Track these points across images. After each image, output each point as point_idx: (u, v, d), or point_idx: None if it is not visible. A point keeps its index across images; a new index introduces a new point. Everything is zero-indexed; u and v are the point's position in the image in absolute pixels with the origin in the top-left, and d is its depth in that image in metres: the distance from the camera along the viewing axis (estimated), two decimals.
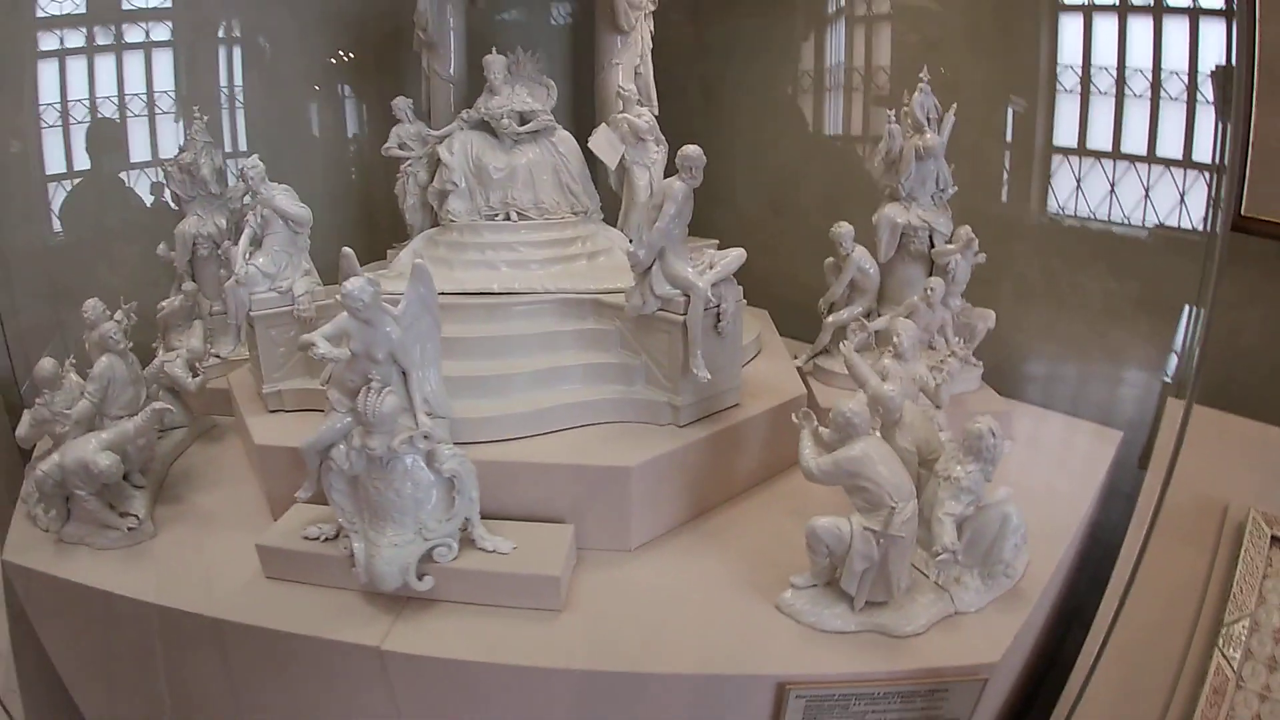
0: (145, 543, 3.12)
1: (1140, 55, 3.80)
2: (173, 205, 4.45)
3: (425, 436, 2.57)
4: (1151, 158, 3.81)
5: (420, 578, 2.59)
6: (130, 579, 2.91)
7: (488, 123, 3.72)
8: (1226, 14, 3.58)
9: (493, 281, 3.37)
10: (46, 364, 3.21)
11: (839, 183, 5.01)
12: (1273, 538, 2.63)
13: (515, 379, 3.13)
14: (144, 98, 4.61)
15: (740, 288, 3.09)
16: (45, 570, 3.00)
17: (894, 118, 3.67)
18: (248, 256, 3.27)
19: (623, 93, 3.78)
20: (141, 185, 4.74)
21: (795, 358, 3.96)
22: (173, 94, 4.68)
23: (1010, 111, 4.24)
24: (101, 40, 4.54)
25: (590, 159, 3.83)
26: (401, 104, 4.04)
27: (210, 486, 3.50)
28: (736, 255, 3.01)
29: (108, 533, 3.12)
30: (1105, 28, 3.93)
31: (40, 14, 4.25)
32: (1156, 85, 3.74)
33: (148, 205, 4.73)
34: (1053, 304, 4.10)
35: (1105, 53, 3.90)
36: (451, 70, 4.04)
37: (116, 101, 4.54)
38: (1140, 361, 3.82)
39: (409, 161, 4.01)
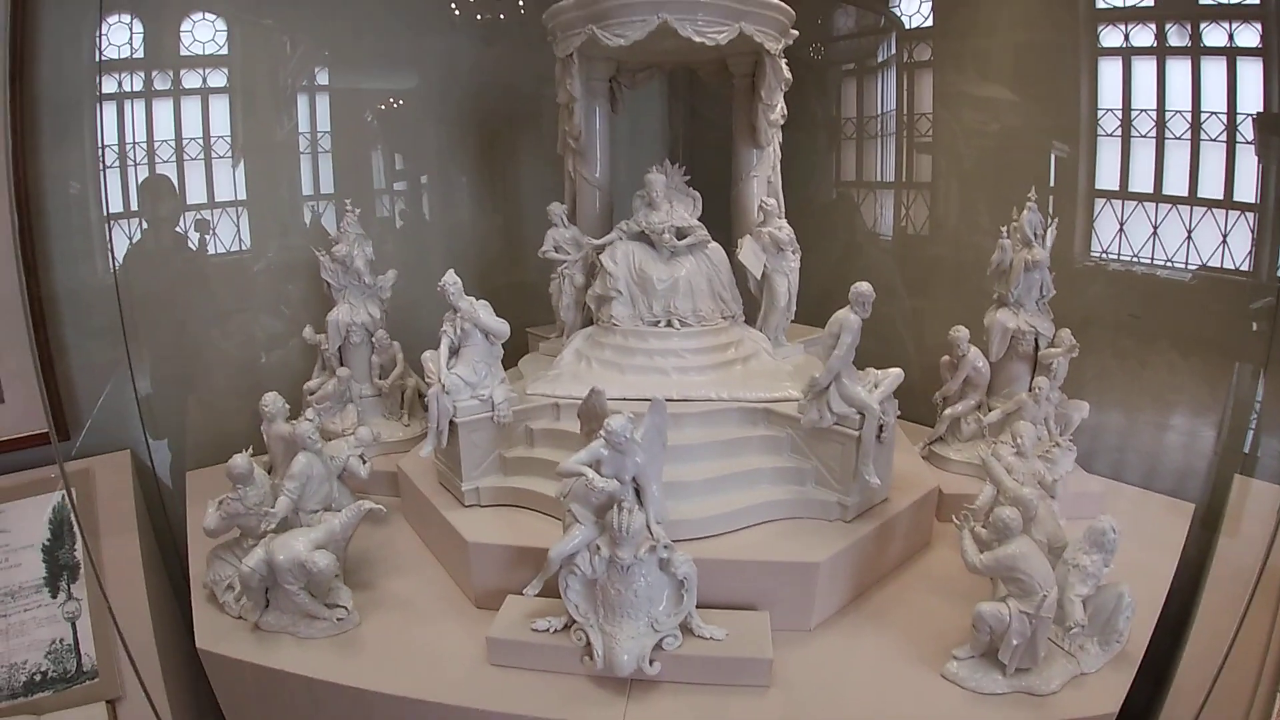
0: (351, 631, 3.60)
1: (1179, 97, 4.48)
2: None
3: (666, 547, 3.27)
4: (1193, 199, 4.49)
5: (650, 663, 3.23)
6: (349, 668, 3.37)
7: (645, 234, 4.36)
8: (1264, 54, 4.21)
9: (666, 388, 3.96)
10: (240, 461, 3.67)
11: (925, 263, 5.83)
12: None
13: (698, 483, 3.74)
14: (200, 141, 5.09)
15: (897, 401, 3.83)
16: (253, 660, 3.44)
17: (1005, 233, 4.44)
18: (449, 365, 3.89)
19: (765, 206, 4.42)
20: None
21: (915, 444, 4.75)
22: (228, 139, 5.20)
23: (1053, 157, 5.01)
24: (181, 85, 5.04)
25: (734, 266, 4.48)
26: (557, 209, 4.63)
27: (395, 573, 4.03)
28: (896, 375, 3.73)
29: (315, 623, 3.58)
30: (1143, 71, 4.61)
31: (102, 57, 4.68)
32: (1196, 126, 4.41)
33: (193, 247, 5.24)
34: (1115, 361, 4.87)
35: (1145, 96, 4.59)
36: (598, 175, 4.70)
37: (174, 145, 5.00)
38: (1202, 432, 4.60)
39: (565, 264, 4.62)
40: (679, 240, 4.33)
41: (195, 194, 5.18)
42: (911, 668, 3.34)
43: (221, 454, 4.80)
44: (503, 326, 3.93)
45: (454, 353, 3.93)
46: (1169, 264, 4.64)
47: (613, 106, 4.80)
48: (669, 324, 4.32)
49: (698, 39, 4.01)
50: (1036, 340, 4.45)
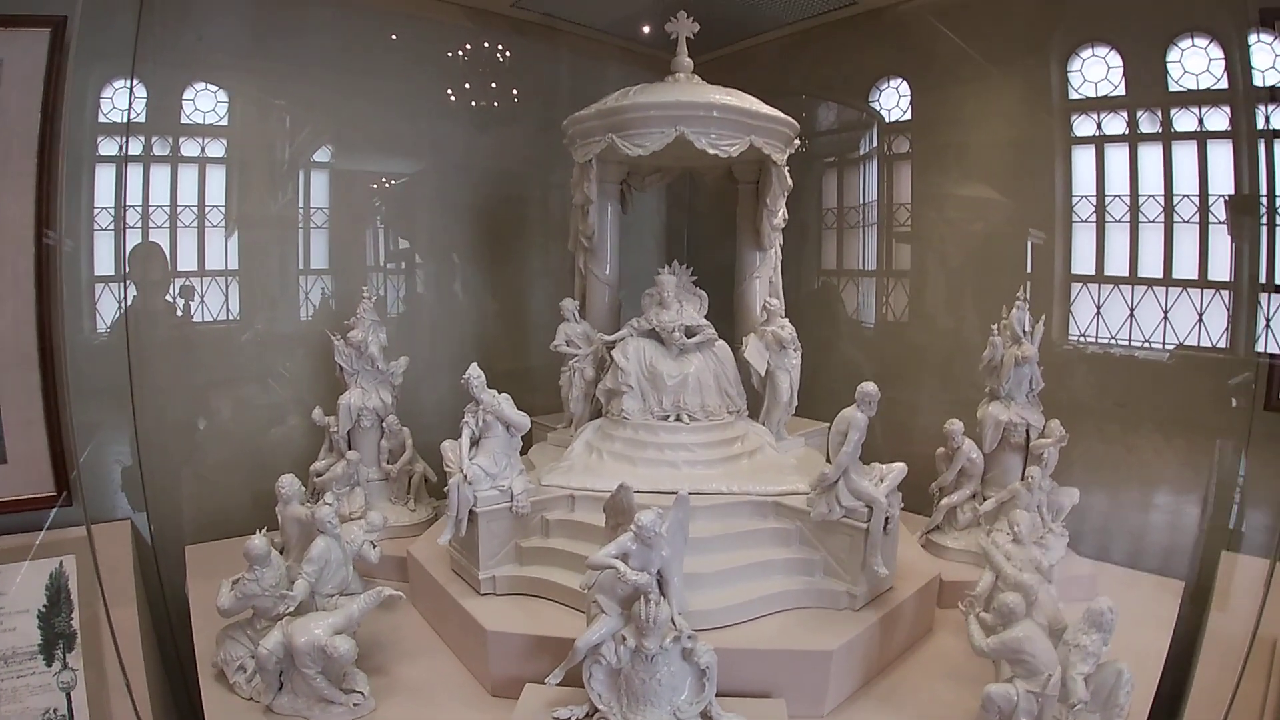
0: (366, 717, 3.69)
1: (1152, 182, 4.82)
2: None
3: (690, 637, 3.50)
4: (1169, 279, 4.82)
5: None
6: None
7: (655, 331, 4.66)
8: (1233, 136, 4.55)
9: (677, 480, 4.18)
10: (258, 542, 3.78)
11: (911, 350, 6.21)
12: None
13: (711, 574, 3.95)
14: (194, 209, 5.23)
15: (901, 494, 4.14)
16: None
17: (995, 330, 4.83)
18: (470, 456, 4.11)
19: (769, 306, 4.77)
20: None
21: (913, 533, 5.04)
22: (222, 208, 5.37)
23: (1030, 243, 5.41)
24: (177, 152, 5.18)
25: (738, 362, 4.78)
26: (569, 305, 4.92)
27: (407, 658, 4.13)
28: (900, 469, 4.03)
29: (330, 708, 3.67)
30: (1116, 157, 4.99)
31: (103, 119, 4.85)
32: (1169, 209, 4.74)
33: (180, 315, 5.35)
34: (1102, 447, 5.17)
35: (1118, 182, 4.96)
36: (608, 272, 5.04)
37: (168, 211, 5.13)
38: (1188, 513, 4.90)
39: (576, 358, 4.89)
40: (688, 338, 4.64)
41: (187, 261, 5.32)
42: None
43: (220, 529, 5.07)
44: (524, 420, 4.18)
45: (474, 443, 4.16)
46: (1146, 344, 5.01)
47: (623, 207, 5.18)
48: (678, 418, 4.59)
49: (712, 151, 4.40)
50: (1028, 431, 4.80)
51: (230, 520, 5.10)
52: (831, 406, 4.13)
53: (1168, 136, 4.87)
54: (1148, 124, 4.96)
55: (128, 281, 4.99)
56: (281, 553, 4.19)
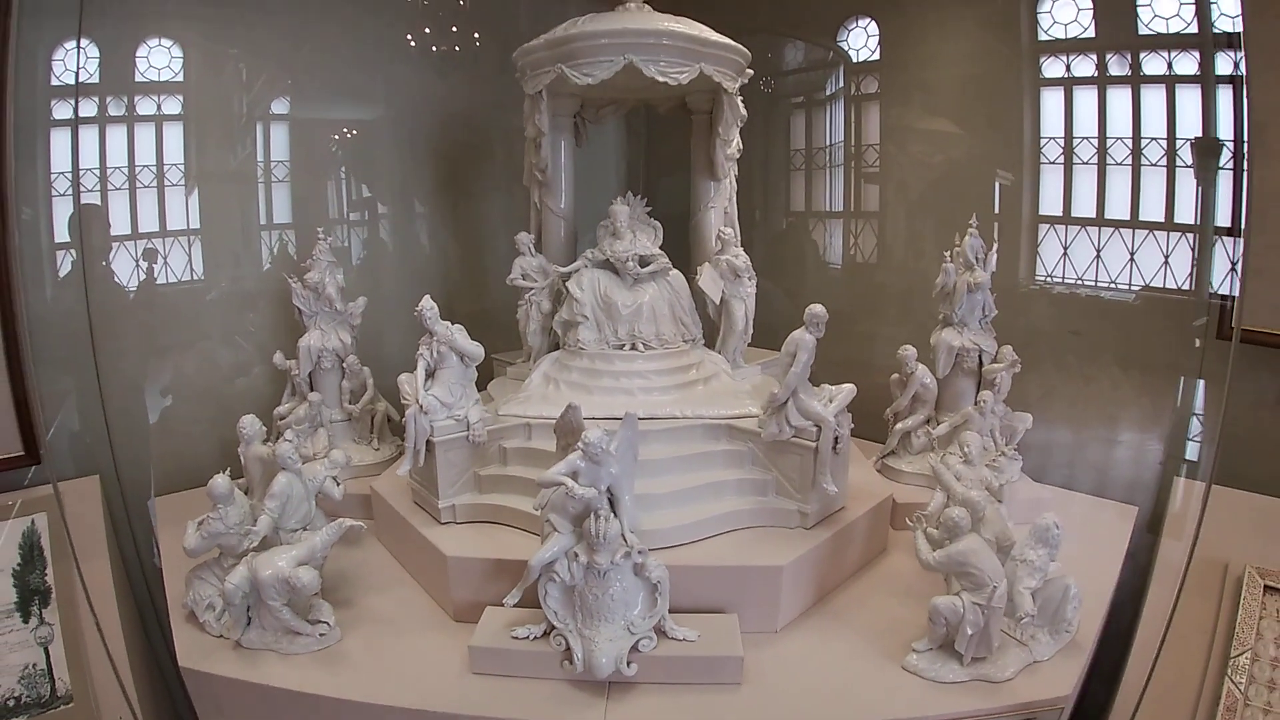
0: (333, 646, 3.79)
1: (1120, 124, 4.89)
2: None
3: (640, 552, 3.58)
4: (1135, 222, 4.91)
5: (628, 665, 3.47)
6: (334, 681, 3.55)
7: (609, 262, 4.69)
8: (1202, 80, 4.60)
9: (632, 407, 4.09)
10: (221, 481, 3.84)
11: (873, 288, 6.30)
12: (1266, 587, 3.84)
13: (665, 495, 4.04)
14: (153, 169, 5.17)
15: (851, 415, 4.21)
16: (237, 677, 3.61)
17: (948, 257, 4.88)
18: (425, 387, 4.17)
19: (723, 235, 4.81)
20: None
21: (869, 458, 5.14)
22: (181, 167, 5.30)
23: (998, 184, 5.48)
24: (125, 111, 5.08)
25: (694, 291, 4.84)
26: (525, 239, 4.94)
27: (372, 590, 4.24)
28: (849, 390, 4.09)
29: (297, 639, 3.76)
30: (1085, 100, 5.04)
31: (55, 82, 4.74)
32: (1137, 152, 4.82)
33: (142, 276, 5.28)
34: (1060, 377, 5.32)
35: (1087, 124, 5.03)
36: (563, 205, 5.05)
37: (126, 171, 5.06)
38: (1143, 441, 5.03)
39: (532, 291, 4.93)
40: (642, 268, 4.67)
41: (148, 222, 5.26)
42: (874, 662, 3.65)
43: (185, 480, 5.12)
44: (477, 349, 4.23)
45: (430, 375, 4.21)
46: (1113, 285, 5.08)
47: (577, 140, 5.17)
48: (633, 347, 4.65)
49: (661, 79, 4.37)
50: (980, 357, 4.88)
51: (197, 470, 5.04)
52: None
53: (1136, 80, 4.89)
54: (1117, 67, 4.97)
55: (83, 247, 4.93)
56: (247, 494, 4.27)
